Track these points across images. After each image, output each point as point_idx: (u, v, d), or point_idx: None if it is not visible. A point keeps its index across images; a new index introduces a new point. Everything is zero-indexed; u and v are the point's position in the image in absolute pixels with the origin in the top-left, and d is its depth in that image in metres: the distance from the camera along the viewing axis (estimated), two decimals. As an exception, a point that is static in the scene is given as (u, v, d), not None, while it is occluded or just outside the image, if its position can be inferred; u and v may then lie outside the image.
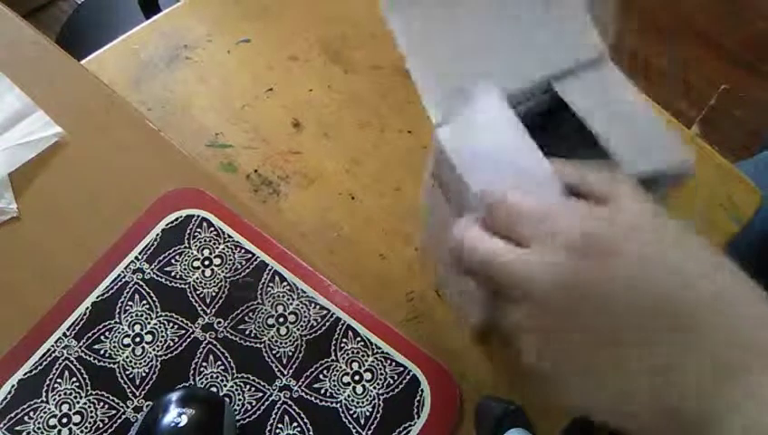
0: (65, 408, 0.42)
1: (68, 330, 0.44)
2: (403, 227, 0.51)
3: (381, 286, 0.48)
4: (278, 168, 0.53)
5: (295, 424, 0.42)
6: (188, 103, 0.55)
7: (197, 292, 0.45)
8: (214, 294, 0.45)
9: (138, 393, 0.42)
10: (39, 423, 0.41)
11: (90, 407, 0.42)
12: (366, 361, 0.44)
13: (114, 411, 0.42)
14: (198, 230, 0.47)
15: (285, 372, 0.43)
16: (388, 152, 0.54)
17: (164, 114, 0.54)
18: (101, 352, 0.43)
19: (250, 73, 0.57)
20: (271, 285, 0.46)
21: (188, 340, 0.44)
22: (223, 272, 0.46)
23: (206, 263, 0.46)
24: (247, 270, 0.46)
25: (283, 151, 0.53)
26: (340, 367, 0.44)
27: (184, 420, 0.38)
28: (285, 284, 0.46)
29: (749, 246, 0.62)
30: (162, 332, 0.44)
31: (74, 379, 0.42)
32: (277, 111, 0.55)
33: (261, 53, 0.58)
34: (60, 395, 0.42)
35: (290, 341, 0.44)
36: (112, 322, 0.44)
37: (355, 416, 0.42)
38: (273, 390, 0.43)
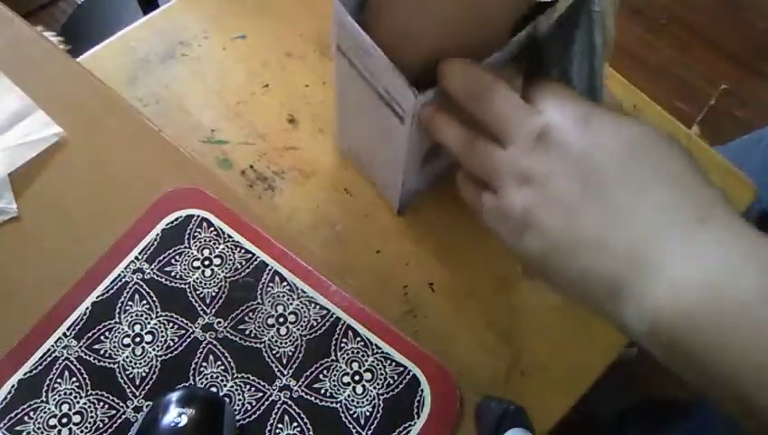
0: (65, 408, 0.42)
1: (68, 330, 0.44)
2: (398, 221, 0.51)
3: (377, 281, 0.48)
4: (273, 163, 0.53)
5: (295, 424, 0.42)
6: (184, 100, 0.55)
7: (197, 292, 0.45)
8: (214, 294, 0.45)
9: (138, 393, 0.42)
10: (39, 423, 0.41)
11: (90, 407, 0.42)
12: (366, 361, 0.44)
13: (114, 411, 0.42)
14: (198, 230, 0.47)
15: (285, 372, 0.43)
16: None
17: (159, 111, 0.54)
18: (101, 352, 0.43)
19: (245, 69, 0.57)
20: (271, 285, 0.46)
21: (188, 340, 0.44)
22: (223, 272, 0.46)
23: (206, 263, 0.46)
24: (247, 270, 0.46)
25: (279, 147, 0.53)
26: (340, 367, 0.44)
27: (184, 420, 0.38)
28: (285, 284, 0.46)
29: None
30: (162, 332, 0.44)
31: (74, 379, 0.42)
32: (273, 107, 0.55)
33: (256, 49, 0.58)
34: (60, 395, 0.42)
35: (290, 341, 0.44)
36: (112, 322, 0.44)
37: (355, 416, 0.42)
38: (273, 390, 0.43)
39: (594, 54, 0.37)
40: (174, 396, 0.39)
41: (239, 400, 0.42)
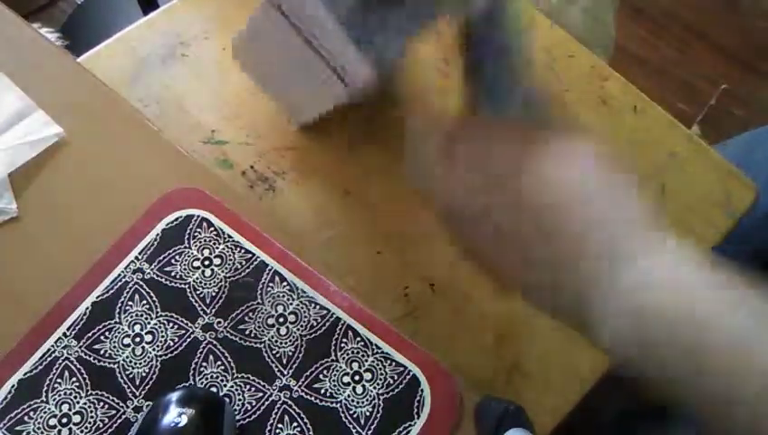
0: (65, 408, 0.42)
1: (68, 330, 0.44)
2: (399, 221, 0.51)
3: (377, 281, 0.49)
4: (274, 163, 0.53)
5: (295, 424, 0.42)
6: (184, 100, 0.55)
7: (197, 292, 0.45)
8: (214, 294, 0.45)
9: (138, 393, 0.42)
10: (39, 423, 0.41)
11: (90, 407, 0.42)
12: (366, 361, 0.44)
13: (114, 411, 0.42)
14: (198, 230, 0.47)
15: (285, 372, 0.43)
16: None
17: (160, 111, 0.54)
18: (101, 352, 0.43)
19: (245, 70, 0.57)
20: (271, 285, 0.46)
21: (188, 340, 0.44)
22: (223, 272, 0.46)
23: (206, 263, 0.46)
24: (247, 270, 0.46)
25: (279, 147, 0.53)
26: (340, 367, 0.44)
27: (184, 420, 0.38)
28: (285, 284, 0.46)
29: (741, 237, 0.62)
30: (162, 332, 0.44)
31: (74, 379, 0.42)
32: (273, 108, 0.55)
33: (256, 49, 0.58)
34: (60, 395, 0.42)
35: (290, 341, 0.44)
36: (112, 322, 0.44)
37: (355, 416, 0.42)
38: (273, 390, 0.43)
39: (510, 54, 0.38)
40: (174, 396, 0.40)
41: (239, 400, 0.42)
